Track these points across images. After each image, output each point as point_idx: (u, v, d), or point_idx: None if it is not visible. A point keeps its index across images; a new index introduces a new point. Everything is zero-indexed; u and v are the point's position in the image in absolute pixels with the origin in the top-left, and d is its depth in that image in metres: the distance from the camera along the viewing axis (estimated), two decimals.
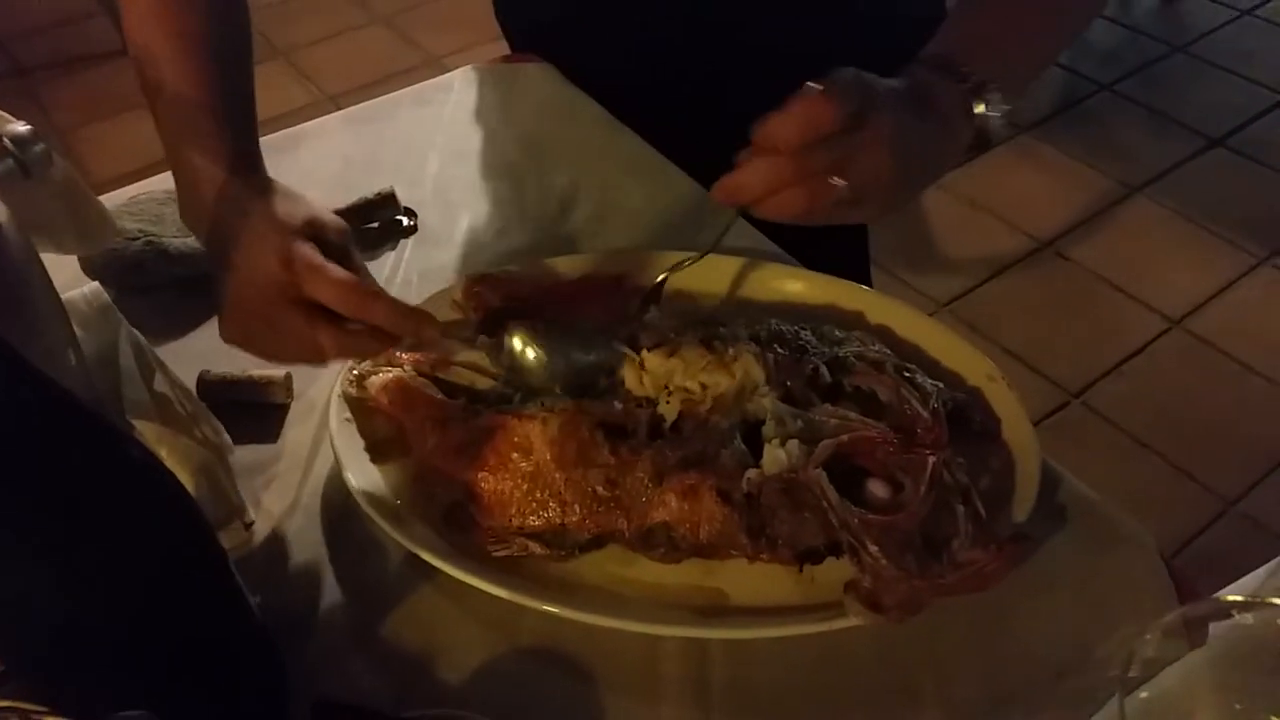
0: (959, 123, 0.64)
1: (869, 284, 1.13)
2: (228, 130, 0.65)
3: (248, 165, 0.64)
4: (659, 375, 0.64)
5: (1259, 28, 2.70)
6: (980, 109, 0.64)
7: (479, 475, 0.63)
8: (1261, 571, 0.66)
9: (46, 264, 0.61)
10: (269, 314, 0.59)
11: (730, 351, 0.64)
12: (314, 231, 0.61)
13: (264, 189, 0.63)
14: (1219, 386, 1.86)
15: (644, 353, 0.66)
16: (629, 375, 0.66)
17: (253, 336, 0.62)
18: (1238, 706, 0.44)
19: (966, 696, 0.58)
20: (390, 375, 0.69)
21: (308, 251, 0.59)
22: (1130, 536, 0.65)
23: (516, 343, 0.68)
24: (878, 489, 0.60)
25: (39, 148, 0.66)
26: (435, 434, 0.65)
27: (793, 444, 0.60)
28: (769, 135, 0.58)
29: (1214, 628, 0.47)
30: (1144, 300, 2.00)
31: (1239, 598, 0.44)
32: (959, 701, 0.58)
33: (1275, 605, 0.43)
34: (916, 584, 0.56)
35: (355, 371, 0.70)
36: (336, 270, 0.59)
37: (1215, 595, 0.46)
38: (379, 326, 0.60)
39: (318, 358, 0.61)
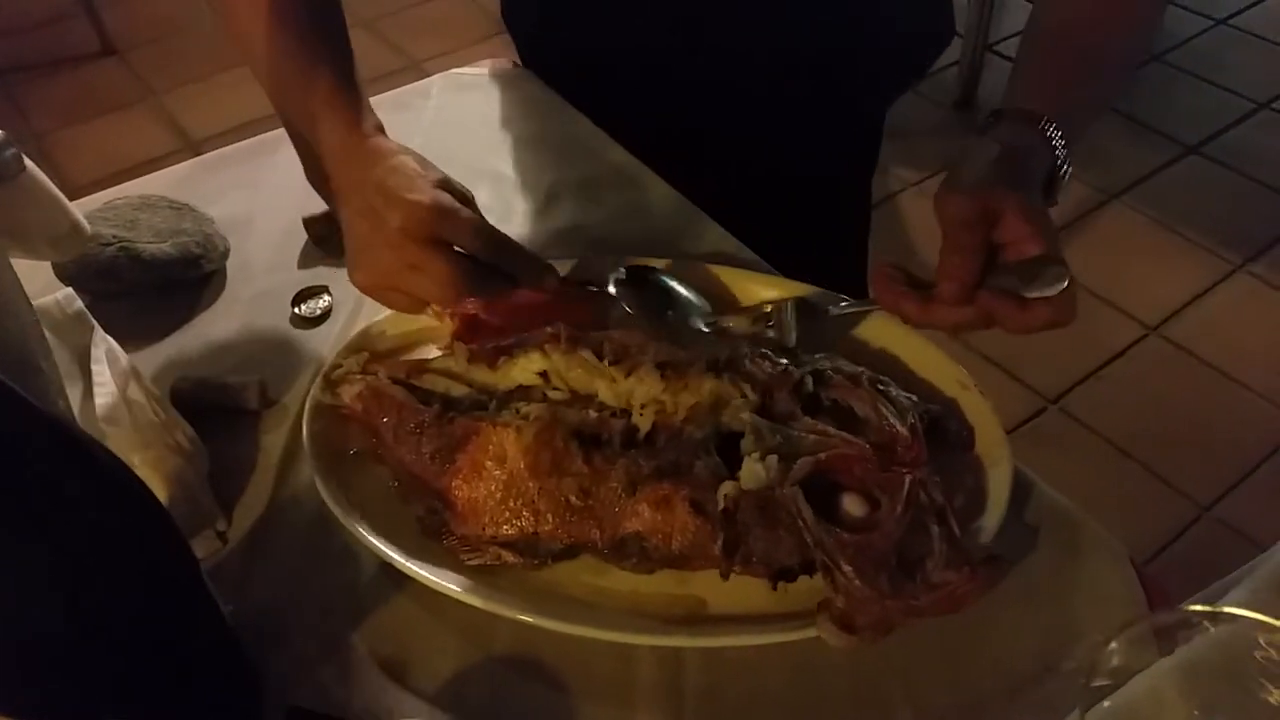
0: (1042, 178, 0.66)
1: (865, 293, 1.14)
2: (355, 98, 0.71)
3: (379, 129, 0.70)
4: (621, 391, 0.65)
5: (1234, 37, 2.73)
6: (1062, 174, 0.66)
7: (453, 483, 0.63)
8: (1230, 579, 0.67)
9: (19, 270, 0.60)
10: (410, 254, 0.63)
11: (683, 381, 0.64)
12: (448, 186, 0.67)
13: (400, 149, 0.68)
14: (1195, 392, 1.87)
15: (608, 365, 0.66)
16: (600, 386, 0.65)
17: (386, 277, 0.65)
18: (1196, 714, 0.44)
19: (936, 704, 0.58)
20: (363, 382, 0.69)
21: (449, 199, 0.65)
22: (1102, 545, 0.65)
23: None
24: (854, 505, 0.60)
25: (10, 152, 0.66)
26: (409, 441, 0.65)
27: (771, 459, 0.60)
28: (966, 285, 0.61)
29: (1181, 637, 0.48)
30: (1121, 307, 2.01)
31: (1204, 608, 0.45)
32: (929, 709, 0.58)
33: (1239, 616, 0.43)
34: (889, 605, 0.55)
35: (330, 377, 0.70)
36: (474, 216, 0.65)
37: (1182, 605, 0.46)
38: (505, 271, 0.66)
39: (450, 293, 0.65)
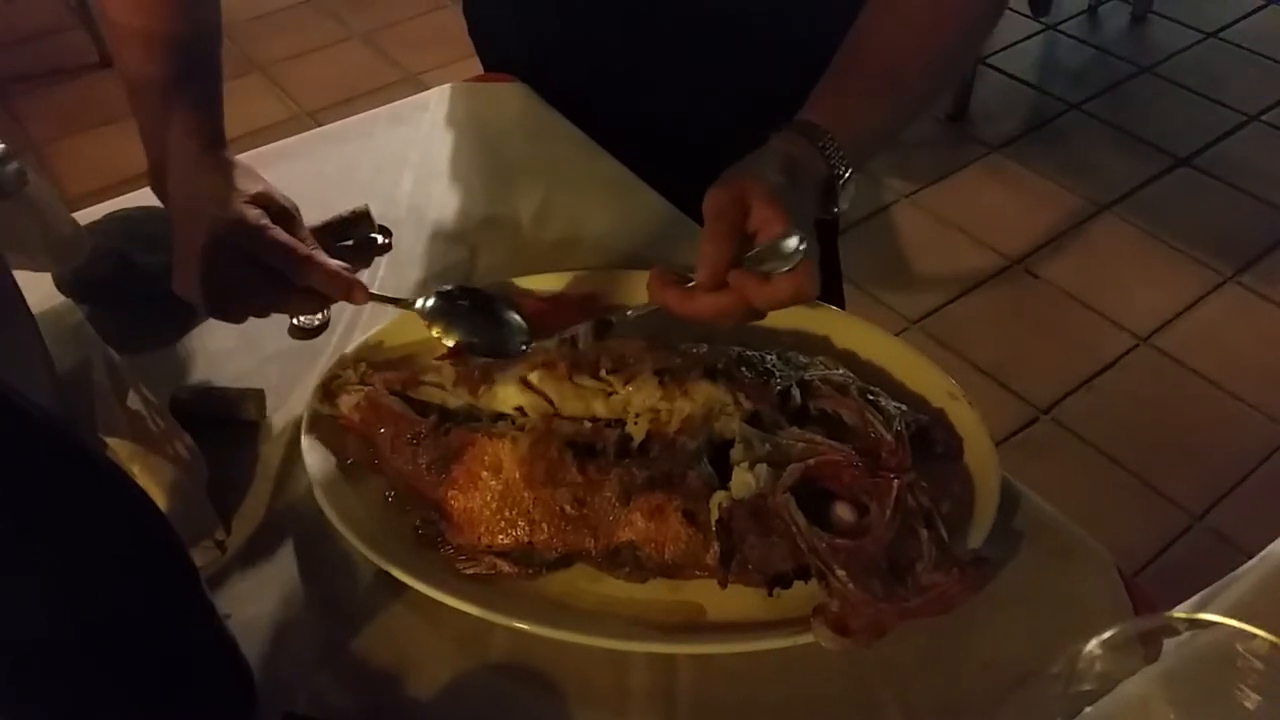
0: (818, 188, 0.69)
1: (841, 301, 1.15)
2: (189, 115, 0.74)
3: (214, 143, 0.74)
4: (618, 401, 0.65)
5: (1224, 50, 2.75)
6: (840, 186, 0.70)
7: (449, 493, 0.64)
8: (1217, 586, 0.68)
9: (20, 281, 0.61)
10: (222, 270, 0.67)
11: (682, 388, 0.65)
12: (265, 201, 0.69)
13: (225, 163, 0.72)
14: (1186, 402, 1.89)
15: (605, 375, 0.66)
16: (598, 405, 0.66)
17: (202, 289, 0.68)
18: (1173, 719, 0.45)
19: (926, 709, 0.59)
20: (361, 393, 0.69)
21: (256, 214, 0.68)
22: (1089, 554, 0.66)
23: (436, 331, 0.73)
24: (844, 512, 0.61)
25: (12, 166, 0.67)
26: (406, 451, 0.66)
27: (761, 468, 0.61)
28: (719, 270, 0.64)
29: (1167, 643, 0.49)
30: (1112, 317, 2.03)
31: (1184, 615, 0.45)
32: (919, 713, 0.59)
33: (1220, 623, 0.44)
34: (882, 608, 0.56)
35: (328, 388, 0.70)
36: (278, 233, 0.68)
37: (1163, 612, 0.47)
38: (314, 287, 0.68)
39: (259, 311, 0.70)
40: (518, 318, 0.74)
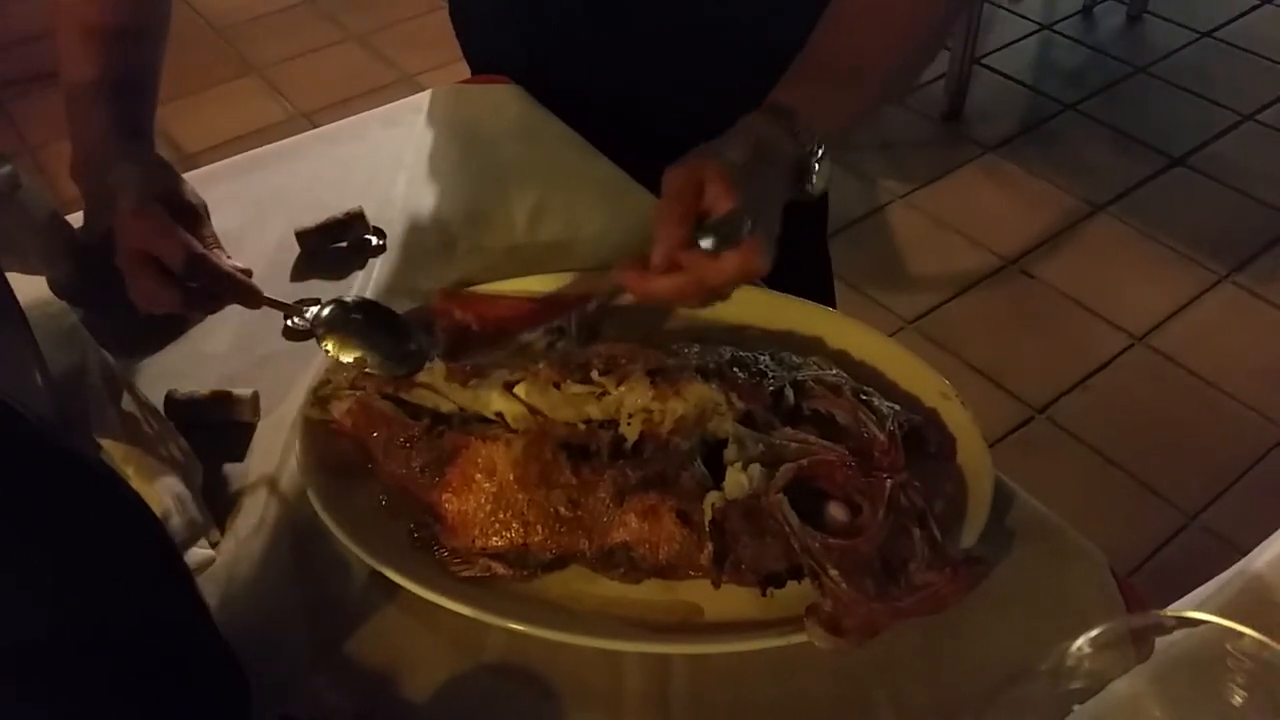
0: (788, 167, 0.70)
1: (832, 300, 1.15)
2: (113, 108, 0.76)
3: (135, 135, 0.75)
4: (610, 402, 0.65)
5: (1219, 49, 2.75)
6: (814, 164, 0.70)
7: (443, 496, 0.64)
8: (1211, 585, 0.68)
9: (14, 283, 0.61)
10: (122, 263, 0.69)
11: (675, 388, 0.65)
12: (170, 197, 0.71)
13: (135, 158, 0.73)
14: (1181, 402, 1.89)
15: (597, 376, 0.66)
16: (587, 404, 0.66)
17: (93, 278, 0.72)
18: (1158, 716, 0.45)
19: (919, 708, 0.59)
20: (353, 398, 0.69)
21: (158, 215, 0.69)
22: (1082, 553, 0.66)
23: (329, 345, 0.71)
24: (837, 512, 0.61)
25: (6, 169, 0.67)
26: (399, 455, 0.66)
27: (754, 468, 0.61)
28: (671, 250, 0.64)
29: (1160, 642, 0.49)
30: (1107, 317, 2.03)
31: (1173, 613, 0.46)
32: (912, 712, 0.59)
33: (1210, 622, 0.44)
34: (875, 607, 0.57)
35: (319, 393, 0.70)
36: (177, 237, 0.69)
37: (1153, 610, 0.48)
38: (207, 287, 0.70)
39: (145, 304, 0.71)
40: (420, 334, 0.72)
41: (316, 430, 0.69)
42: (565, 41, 1.01)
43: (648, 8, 0.96)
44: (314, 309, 0.73)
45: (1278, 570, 0.65)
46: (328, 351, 0.70)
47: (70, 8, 0.80)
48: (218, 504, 0.69)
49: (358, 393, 0.70)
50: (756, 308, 0.77)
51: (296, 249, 0.88)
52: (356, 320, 0.72)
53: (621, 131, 0.97)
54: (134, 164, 0.72)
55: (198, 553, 0.66)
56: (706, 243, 0.63)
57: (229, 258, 0.77)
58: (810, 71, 0.74)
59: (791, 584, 0.60)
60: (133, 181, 0.70)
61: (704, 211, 0.65)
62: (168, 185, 0.72)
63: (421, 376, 0.70)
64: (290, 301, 0.83)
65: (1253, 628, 0.46)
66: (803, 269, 1.09)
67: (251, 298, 0.71)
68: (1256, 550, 0.68)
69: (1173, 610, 0.49)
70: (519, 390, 0.66)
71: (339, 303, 0.73)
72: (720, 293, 0.67)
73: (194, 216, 0.73)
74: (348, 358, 0.70)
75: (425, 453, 0.65)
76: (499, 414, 0.67)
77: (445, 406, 0.69)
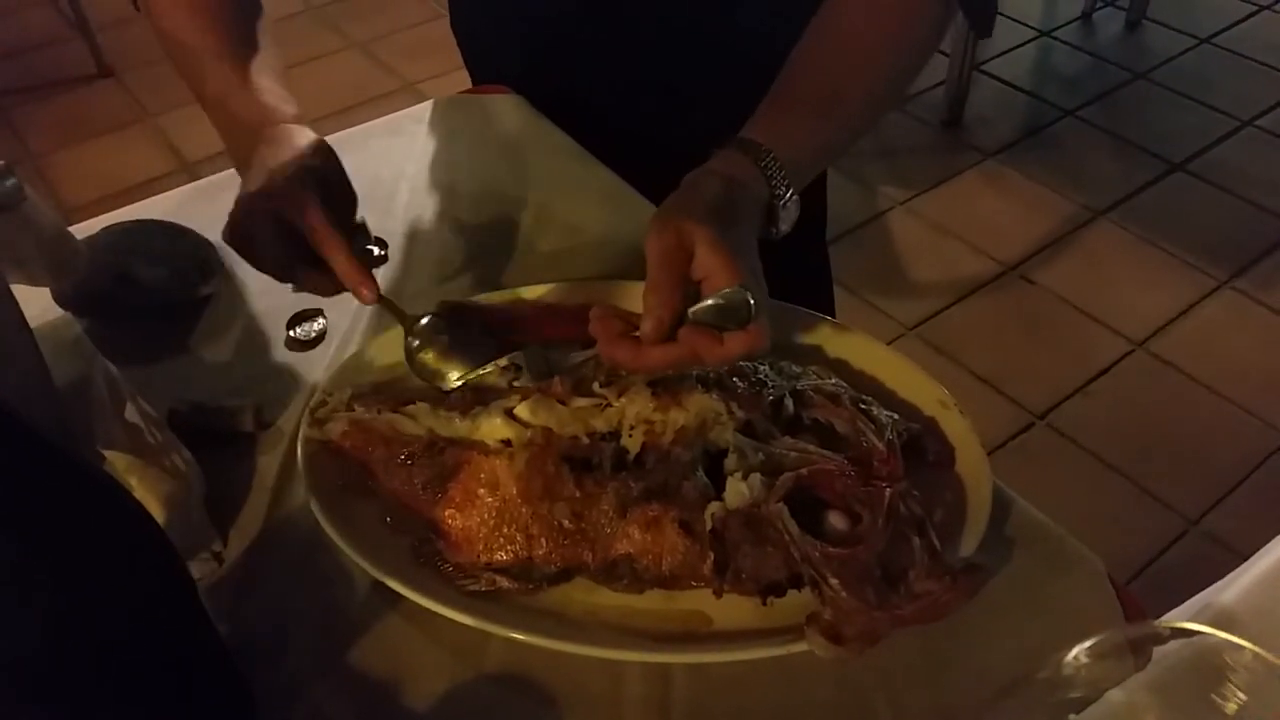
0: (759, 210, 0.69)
1: (831, 310, 1.15)
2: (262, 84, 0.78)
3: (279, 114, 0.76)
4: (612, 414, 0.66)
5: (1218, 55, 2.76)
6: (781, 206, 0.69)
7: (446, 512, 0.64)
8: (1210, 591, 0.68)
9: (18, 295, 0.62)
10: (260, 227, 0.69)
11: (675, 398, 0.65)
12: (314, 174, 0.71)
13: (291, 128, 0.75)
14: (1181, 407, 1.89)
15: (598, 388, 0.67)
16: (594, 417, 0.66)
17: (241, 241, 0.71)
18: None
19: (919, 716, 0.59)
20: (347, 419, 0.69)
21: (297, 183, 0.69)
22: (1080, 561, 0.66)
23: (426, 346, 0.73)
24: (837, 521, 0.61)
25: (10, 182, 0.67)
26: (400, 472, 0.66)
27: (754, 477, 0.61)
28: (665, 325, 0.62)
29: (1157, 652, 0.49)
30: (1108, 323, 2.03)
31: (1170, 625, 0.46)
32: (910, 718, 0.59)
33: (1204, 633, 0.44)
34: (875, 615, 0.57)
35: (316, 415, 0.70)
36: (317, 208, 0.69)
37: (1154, 618, 0.48)
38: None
39: (268, 269, 0.71)
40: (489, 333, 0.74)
41: (319, 448, 0.69)
42: (565, 51, 1.01)
43: (647, 17, 0.96)
44: (420, 321, 0.74)
45: (1277, 576, 0.66)
46: (420, 360, 0.73)
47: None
48: (220, 515, 0.69)
49: (350, 414, 0.69)
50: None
51: None
52: (455, 325, 0.74)
53: (622, 141, 0.97)
54: (286, 133, 0.74)
55: (200, 563, 0.66)
56: (715, 322, 0.60)
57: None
58: (782, 106, 0.73)
59: (792, 593, 0.61)
60: (287, 151, 0.72)
61: (694, 279, 0.63)
62: (313, 159, 0.72)
63: (410, 410, 0.70)
64: (292, 313, 0.83)
65: (1251, 635, 0.46)
66: (802, 275, 1.10)
67: (366, 291, 0.69)
68: (1256, 556, 0.68)
69: (1170, 619, 0.49)
70: (521, 410, 0.66)
71: (435, 313, 0.75)
72: (717, 368, 0.66)
73: (345, 201, 0.73)
74: (447, 386, 0.72)
75: (426, 469, 0.65)
76: (504, 441, 0.66)
77: (446, 432, 0.69)
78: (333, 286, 0.71)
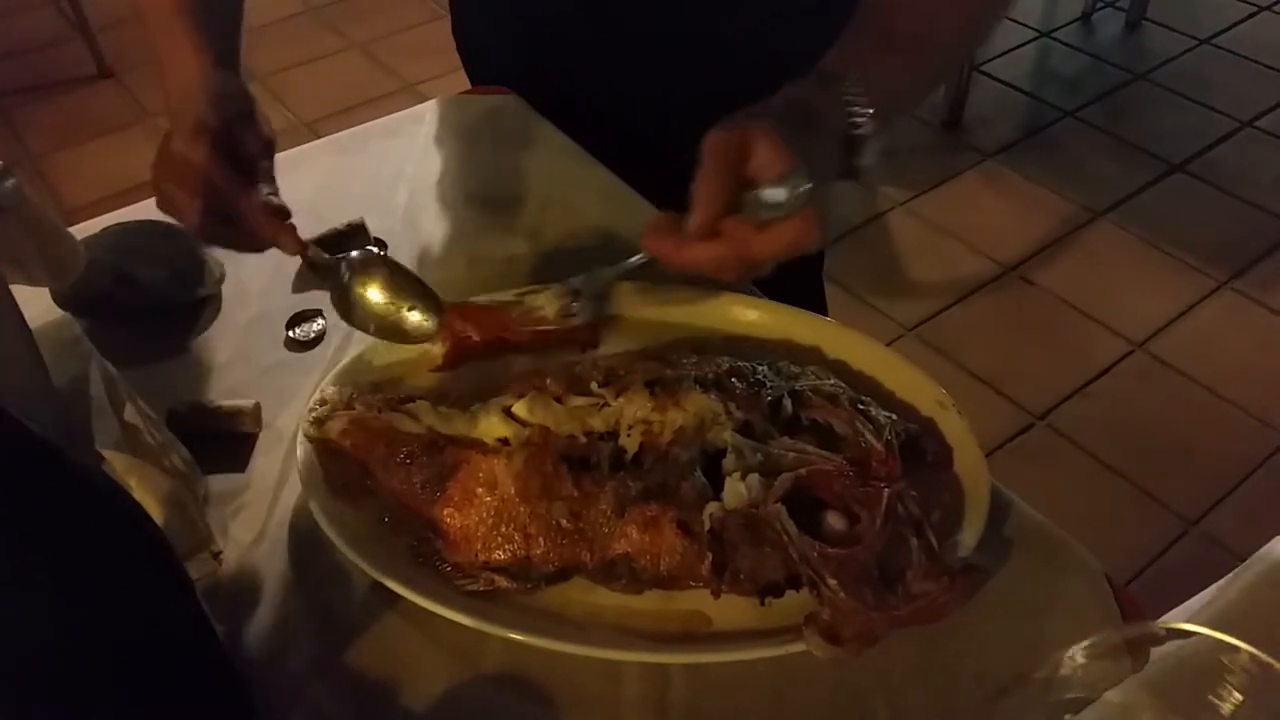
0: (837, 141, 0.64)
1: (823, 308, 1.15)
2: (200, 34, 0.74)
3: (215, 60, 0.73)
4: (610, 413, 0.66)
5: (1218, 56, 2.76)
6: (865, 137, 0.65)
7: (445, 511, 0.64)
8: (1208, 592, 0.68)
9: (18, 295, 0.62)
10: (178, 174, 0.68)
11: (673, 399, 0.65)
12: (246, 122, 0.70)
13: (213, 78, 0.72)
14: (1181, 408, 1.89)
15: (596, 388, 0.67)
16: (592, 416, 0.66)
17: (161, 187, 0.71)
18: None
19: (917, 717, 0.59)
20: (347, 418, 0.69)
21: (190, 142, 0.67)
22: (1078, 562, 0.66)
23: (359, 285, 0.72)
24: (835, 521, 0.61)
25: (10, 182, 0.67)
26: (399, 471, 0.66)
27: (753, 478, 0.61)
28: (712, 216, 0.59)
29: (1154, 652, 0.49)
30: (1107, 323, 2.03)
31: (1165, 626, 0.46)
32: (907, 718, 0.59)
33: (1202, 634, 0.45)
34: (874, 616, 0.57)
35: (315, 415, 0.70)
36: (221, 166, 0.67)
37: (1152, 619, 0.48)
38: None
39: (182, 216, 0.70)
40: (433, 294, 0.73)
41: (318, 449, 0.69)
42: (564, 52, 1.01)
43: (647, 18, 0.96)
44: (345, 263, 0.73)
45: (1276, 577, 0.66)
46: (358, 294, 0.71)
47: None
48: (219, 515, 0.69)
49: (351, 413, 0.69)
50: (753, 318, 0.77)
51: (298, 260, 0.88)
52: (384, 272, 0.73)
53: (621, 142, 0.97)
54: (208, 87, 0.71)
55: (199, 563, 0.66)
56: (762, 206, 0.55)
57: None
58: (864, 34, 0.68)
59: (790, 593, 0.61)
60: (216, 96, 0.70)
61: (749, 178, 0.58)
62: (245, 110, 0.71)
63: (410, 408, 0.70)
64: (291, 313, 0.83)
65: (1250, 635, 0.46)
66: (794, 274, 1.09)
67: (287, 239, 0.67)
68: (1255, 556, 0.68)
69: (1168, 619, 0.49)
70: (519, 409, 0.66)
71: (367, 251, 0.75)
72: (761, 268, 0.60)
73: (264, 143, 0.71)
74: (378, 297, 0.71)
75: (425, 468, 0.65)
76: (502, 439, 0.66)
77: (446, 430, 0.69)
78: (251, 242, 0.69)
